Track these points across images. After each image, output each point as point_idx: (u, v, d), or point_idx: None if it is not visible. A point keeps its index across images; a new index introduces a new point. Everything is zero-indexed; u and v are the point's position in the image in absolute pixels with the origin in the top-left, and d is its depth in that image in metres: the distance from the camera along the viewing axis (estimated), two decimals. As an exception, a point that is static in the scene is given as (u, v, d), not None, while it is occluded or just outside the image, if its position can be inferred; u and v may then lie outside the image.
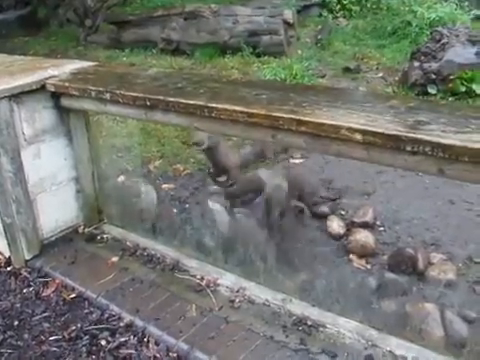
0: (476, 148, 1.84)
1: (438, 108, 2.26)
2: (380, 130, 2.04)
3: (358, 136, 2.08)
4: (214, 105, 2.51)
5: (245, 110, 2.40)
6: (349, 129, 2.10)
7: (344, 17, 10.56)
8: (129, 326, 2.83)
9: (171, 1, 11.98)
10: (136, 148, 6.02)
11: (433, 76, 6.77)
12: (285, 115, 2.28)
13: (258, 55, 8.90)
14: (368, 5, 10.56)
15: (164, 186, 5.22)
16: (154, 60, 9.35)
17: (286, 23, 9.20)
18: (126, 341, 2.74)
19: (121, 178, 5.31)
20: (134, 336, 2.76)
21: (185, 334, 2.72)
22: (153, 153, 5.92)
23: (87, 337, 2.81)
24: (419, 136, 1.95)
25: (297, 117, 2.24)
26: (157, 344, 2.71)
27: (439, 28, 7.46)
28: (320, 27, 10.02)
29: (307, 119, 2.22)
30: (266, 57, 8.80)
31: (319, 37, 9.51)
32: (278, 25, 9.06)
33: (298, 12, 10.14)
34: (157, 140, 6.14)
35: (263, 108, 2.38)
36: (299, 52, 9.04)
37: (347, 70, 8.08)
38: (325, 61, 8.57)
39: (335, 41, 9.38)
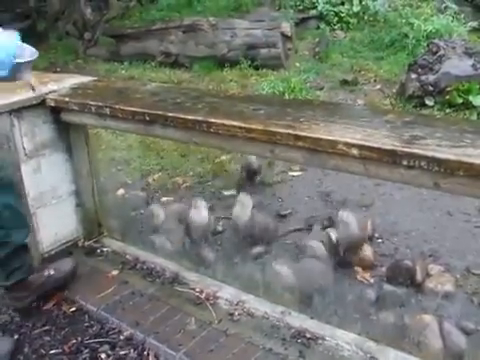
0: (471, 162, 1.87)
1: (434, 122, 2.30)
2: (376, 145, 2.07)
3: (355, 151, 2.11)
4: (212, 120, 2.55)
5: (243, 125, 2.43)
6: (346, 144, 2.13)
7: (342, 29, 10.60)
8: (129, 339, 2.86)
9: (169, 15, 12.03)
10: (135, 161, 6.04)
11: (430, 88, 6.81)
12: (283, 130, 2.31)
13: (256, 68, 8.94)
14: (365, 18, 10.60)
15: (163, 199, 5.24)
16: (153, 73, 9.40)
17: (284, 36, 9.26)
18: (126, 354, 2.76)
19: (121, 191, 5.34)
20: (134, 349, 2.79)
21: (185, 347, 2.75)
22: (152, 166, 5.94)
23: (87, 350, 2.83)
24: (415, 151, 1.99)
25: (294, 132, 2.27)
26: (157, 357, 2.73)
27: (436, 40, 7.50)
28: (318, 40, 10.06)
29: (304, 134, 2.25)
30: (264, 70, 8.85)
31: (317, 50, 9.55)
32: (276, 38, 9.12)
33: (296, 25, 10.19)
34: (156, 153, 6.15)
35: (261, 123, 2.41)
36: (297, 65, 9.09)
37: (345, 82, 8.11)
38: (323, 73, 8.61)
39: (333, 53, 9.42)
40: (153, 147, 6.25)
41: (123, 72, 9.68)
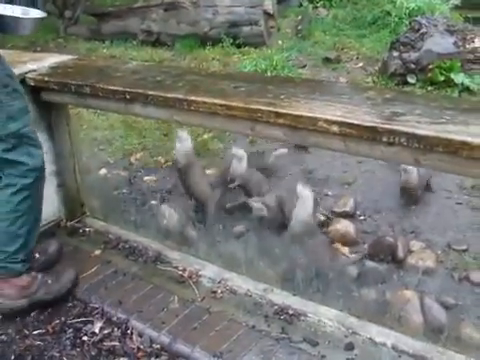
0: (450, 138, 1.88)
1: (414, 99, 2.30)
2: (356, 122, 2.07)
3: (335, 128, 2.12)
4: (193, 98, 2.54)
5: (224, 103, 2.43)
6: (326, 121, 2.13)
7: (324, 7, 10.53)
8: (112, 318, 2.86)
9: (151, -8, 11.90)
10: (117, 140, 6.02)
11: (412, 66, 6.81)
12: (263, 107, 2.31)
13: (238, 46, 8.88)
14: (348, -5, 10.57)
15: (146, 178, 5.23)
16: (135, 52, 9.30)
17: (266, 13, 9.19)
18: (109, 334, 2.76)
19: (103, 171, 5.32)
20: (117, 328, 2.79)
21: (168, 325, 2.76)
22: (134, 145, 5.92)
23: (71, 330, 2.83)
24: (395, 127, 1.99)
25: (275, 109, 2.27)
26: (140, 336, 2.73)
27: (418, 18, 7.48)
28: (300, 17, 9.99)
29: (285, 111, 2.25)
30: (247, 48, 8.78)
31: (299, 27, 9.49)
32: (258, 16, 9.05)
33: (278, 2, 10.10)
34: (138, 132, 6.12)
35: (242, 101, 2.40)
36: (279, 42, 9.04)
37: (327, 60, 8.08)
38: (305, 51, 8.56)
39: (315, 31, 9.36)
40: (135, 126, 6.22)
41: (104, 51, 9.57)
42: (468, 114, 2.03)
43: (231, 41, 8.88)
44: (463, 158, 1.87)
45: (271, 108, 2.29)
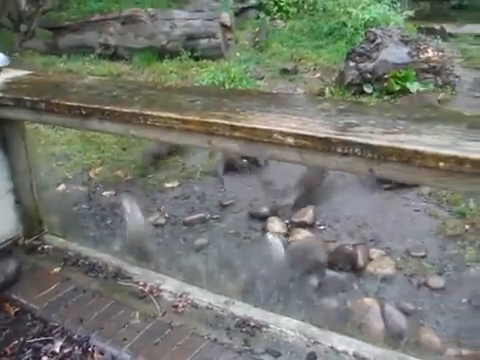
0: (403, 148, 1.91)
1: (367, 110, 2.33)
2: (311, 133, 2.09)
3: (290, 140, 2.13)
4: (149, 113, 2.53)
5: (180, 117, 2.42)
6: (281, 133, 2.14)
7: (281, 19, 10.66)
8: (73, 337, 2.82)
9: (108, 6, 11.86)
10: (76, 156, 5.96)
11: (368, 76, 6.94)
12: (219, 121, 2.31)
13: (196, 59, 8.92)
14: (305, 7, 10.68)
15: (105, 193, 5.19)
16: (92, 66, 9.25)
17: (224, 26, 9.26)
18: (70, 352, 2.73)
19: (62, 187, 5.26)
20: (78, 347, 2.75)
21: (129, 342, 2.73)
22: (93, 160, 5.87)
23: (30, 351, 2.79)
24: (349, 138, 2.02)
25: (231, 123, 2.28)
26: (102, 353, 2.71)
27: (373, 29, 7.63)
28: (258, 29, 10.10)
29: (241, 124, 2.26)
30: (204, 60, 8.82)
31: (257, 39, 9.59)
32: (216, 28, 9.11)
33: (235, 15, 10.20)
34: (97, 147, 6.09)
35: (198, 115, 2.41)
36: (237, 55, 9.10)
37: (285, 71, 8.17)
38: (263, 63, 8.65)
39: (273, 43, 9.47)
40: (93, 141, 6.18)
41: (61, 65, 9.49)
42: (420, 124, 2.07)
43: (189, 54, 8.93)
44: (416, 167, 1.90)
45: (227, 121, 2.29)
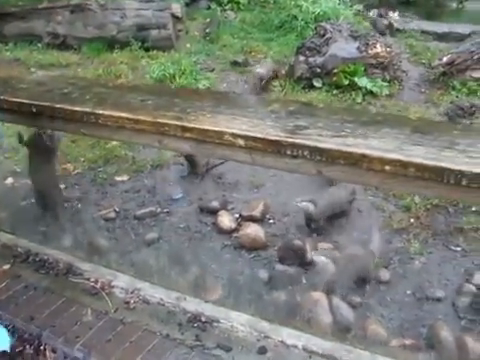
0: (350, 151, 1.97)
1: (316, 112, 2.40)
2: (261, 135, 2.14)
3: (241, 141, 2.18)
4: (100, 112, 2.54)
5: (131, 117, 2.44)
6: (232, 135, 2.19)
7: (232, 10, 10.62)
8: (24, 335, 2.81)
9: (56, -7, 11.63)
10: (23, 148, 5.86)
11: (318, 70, 7.00)
12: (171, 121, 2.34)
13: (147, 49, 8.83)
14: (256, -2, 10.70)
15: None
16: (40, 55, 9.05)
17: (174, 17, 9.19)
18: (21, 351, 2.73)
19: (9, 180, 5.19)
20: (30, 345, 2.75)
21: (82, 339, 2.75)
22: (42, 153, 5.79)
23: (-20, 350, 2.77)
24: (298, 141, 2.07)
25: (182, 124, 2.31)
26: (54, 351, 2.72)
27: (323, 23, 7.69)
28: (209, 20, 10.05)
29: (192, 126, 2.29)
30: (155, 51, 8.73)
31: (207, 30, 9.55)
32: (166, 19, 9.04)
33: (186, 5, 10.13)
34: (46, 139, 5.99)
35: (149, 114, 2.43)
36: (188, 46, 9.06)
37: (235, 64, 8.16)
38: (214, 55, 8.63)
39: (223, 34, 9.44)
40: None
41: (8, 53, 9.26)
42: (367, 127, 2.13)
43: (139, 45, 8.83)
44: (363, 169, 1.97)
45: (178, 122, 2.32)
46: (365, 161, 1.94)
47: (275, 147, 2.12)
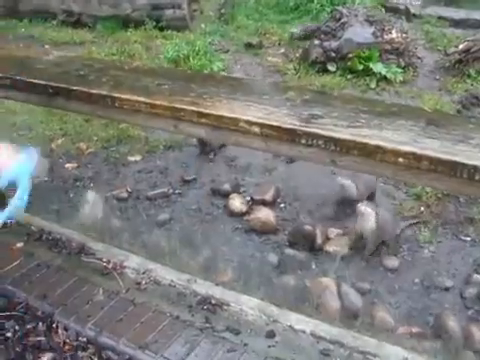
0: (365, 142, 1.98)
1: (331, 101, 2.39)
2: (277, 123, 2.15)
3: (256, 129, 2.19)
4: (117, 95, 2.55)
5: (148, 101, 2.45)
6: (247, 122, 2.20)
7: (248, -10, 10.60)
8: (37, 313, 2.86)
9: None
10: (37, 126, 5.91)
11: (333, 54, 6.98)
12: (187, 107, 2.35)
13: (161, 29, 8.83)
14: (272, -22, 10.63)
15: (67, 165, 5.19)
16: (54, 32, 9.08)
17: (189, -3, 9.19)
18: (34, 328, 2.77)
19: (21, 158, 5.22)
20: (42, 323, 2.79)
21: (93, 318, 2.79)
22: (55, 131, 5.83)
23: (-6, 327, 2.82)
24: (313, 130, 2.08)
25: (198, 109, 2.32)
26: (66, 329, 2.76)
27: (339, 7, 7.65)
28: (223, 1, 10.01)
29: (208, 111, 2.30)
30: (169, 31, 8.74)
31: (222, 11, 9.52)
32: (181, -1, 9.03)
33: (202, -15, 10.12)
34: (59, 117, 6.02)
35: (165, 99, 2.44)
36: (202, 26, 9.03)
37: (250, 46, 8.15)
38: (228, 36, 8.61)
39: (238, 15, 9.41)
40: (56, 111, 6.11)
41: (22, 30, 9.29)
42: (382, 118, 2.14)
43: (154, 24, 8.83)
44: (377, 161, 1.98)
45: (194, 108, 2.33)
46: (379, 152, 1.95)
47: (290, 136, 2.13)
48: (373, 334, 2.83)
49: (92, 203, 4.25)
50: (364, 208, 3.92)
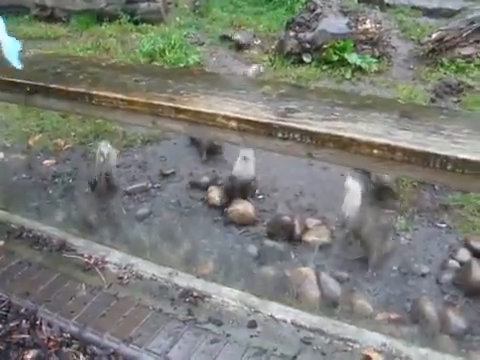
0: (340, 135, 2.04)
1: (307, 94, 2.45)
2: (253, 118, 2.19)
3: (233, 123, 2.23)
4: (95, 92, 2.58)
5: (125, 98, 2.49)
6: (225, 117, 2.24)
7: (222, -18, 10.59)
8: (20, 310, 2.88)
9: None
10: (14, 123, 5.88)
11: (308, 45, 7.02)
12: (164, 103, 2.39)
13: (136, 22, 8.80)
14: (245, -30, 10.63)
15: (46, 162, 5.17)
16: (28, 27, 9.00)
17: (163, -11, 9.16)
18: (18, 326, 2.79)
19: (0, 155, 5.21)
20: (26, 320, 2.81)
21: (77, 314, 2.82)
22: (32, 127, 5.80)
23: (-24, 326, 2.83)
24: (289, 124, 2.13)
25: (176, 105, 2.36)
26: (50, 326, 2.78)
27: (313, -2, 7.70)
28: (198, -7, 10.02)
29: (185, 107, 2.34)
30: (144, 25, 8.71)
31: (197, 3, 9.50)
32: (156, -9, 9.00)
33: (176, -23, 10.08)
34: (36, 114, 5.99)
35: (143, 96, 2.47)
36: (177, 19, 9.02)
37: (225, 38, 8.16)
38: (203, 28, 8.61)
39: (213, 7, 9.40)
40: (32, 108, 6.08)
41: (-6, 25, 9.18)
42: (357, 111, 2.20)
43: (128, 18, 8.80)
44: (352, 153, 2.03)
45: (171, 104, 2.37)
46: (354, 145, 2.01)
47: (267, 130, 2.17)
48: (353, 321, 2.89)
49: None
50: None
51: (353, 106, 2.24)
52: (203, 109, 2.31)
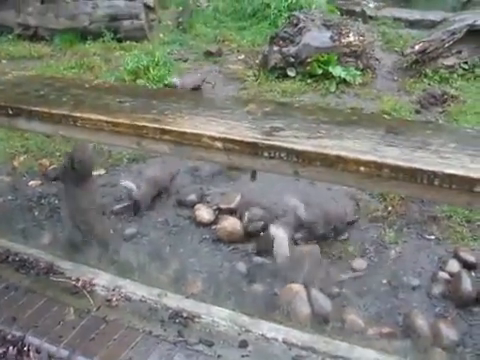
0: (326, 153, 2.02)
1: (292, 112, 2.43)
2: (239, 138, 2.17)
3: (219, 144, 2.21)
4: (78, 115, 2.54)
5: (109, 120, 2.46)
6: (210, 137, 2.22)
7: (205, -2, 10.64)
8: (7, 337, 2.84)
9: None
10: (-2, 140, 5.84)
11: (292, 59, 7.05)
12: (149, 124, 2.36)
13: (120, 40, 8.82)
14: (228, -15, 10.69)
15: (31, 183, 5.13)
16: (11, 47, 8.99)
17: (147, 6, 9.18)
18: (5, 353, 2.75)
19: (-16, 178, 5.17)
20: (13, 347, 2.78)
21: (65, 338, 2.79)
22: (17, 148, 5.77)
23: (-38, 354, 2.79)
24: (275, 143, 2.11)
25: (161, 126, 2.33)
26: (38, 352, 2.75)
27: (296, 12, 7.72)
28: (181, 9, 10.03)
29: (170, 128, 2.31)
30: (128, 42, 8.73)
31: (180, 20, 9.54)
32: (139, 9, 9.02)
33: (159, -6, 10.12)
34: (20, 134, 5.95)
35: (127, 117, 2.44)
36: (161, 36, 9.05)
37: (209, 54, 8.18)
38: (187, 45, 8.64)
39: (196, 23, 9.44)
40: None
41: (-23, 45, 9.17)
42: (342, 127, 2.18)
43: (112, 36, 8.83)
44: (339, 170, 2.02)
45: (156, 125, 2.34)
46: (340, 162, 1.99)
47: (252, 149, 2.15)
48: (344, 338, 2.87)
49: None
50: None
51: (339, 122, 2.23)
52: (188, 130, 2.28)
